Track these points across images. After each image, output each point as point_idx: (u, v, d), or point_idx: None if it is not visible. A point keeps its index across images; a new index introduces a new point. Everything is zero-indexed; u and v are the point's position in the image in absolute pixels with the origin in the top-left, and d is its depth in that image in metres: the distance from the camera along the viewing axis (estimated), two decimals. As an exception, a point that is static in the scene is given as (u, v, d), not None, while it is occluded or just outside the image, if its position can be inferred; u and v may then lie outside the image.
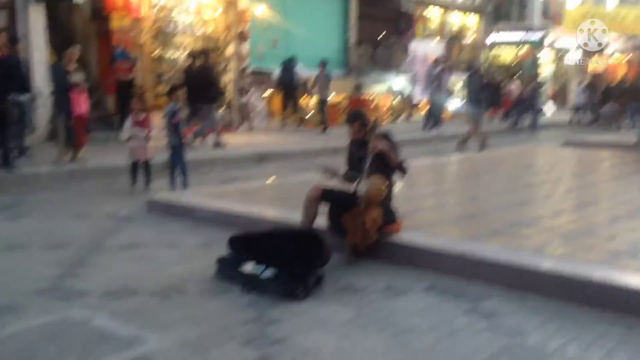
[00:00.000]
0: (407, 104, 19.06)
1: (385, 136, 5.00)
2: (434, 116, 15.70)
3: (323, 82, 14.62)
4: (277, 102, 15.43)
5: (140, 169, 7.62)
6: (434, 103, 15.73)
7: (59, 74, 8.52)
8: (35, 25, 11.07)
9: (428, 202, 6.44)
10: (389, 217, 4.91)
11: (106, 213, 6.35)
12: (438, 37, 21.80)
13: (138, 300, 3.88)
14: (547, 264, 4.15)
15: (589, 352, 3.26)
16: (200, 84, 11.00)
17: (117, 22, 12.36)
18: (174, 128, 7.52)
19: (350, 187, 5.02)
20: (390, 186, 4.95)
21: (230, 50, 14.34)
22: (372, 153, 4.84)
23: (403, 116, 18.75)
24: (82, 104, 8.64)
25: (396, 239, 4.83)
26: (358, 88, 15.25)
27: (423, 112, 17.32)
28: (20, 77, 8.50)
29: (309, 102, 15.93)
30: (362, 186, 4.77)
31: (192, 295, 4.03)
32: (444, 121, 16.63)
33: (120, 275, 4.37)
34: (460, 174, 9.28)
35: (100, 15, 12.49)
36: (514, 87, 20.10)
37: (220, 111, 12.96)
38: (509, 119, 19.37)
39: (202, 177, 8.61)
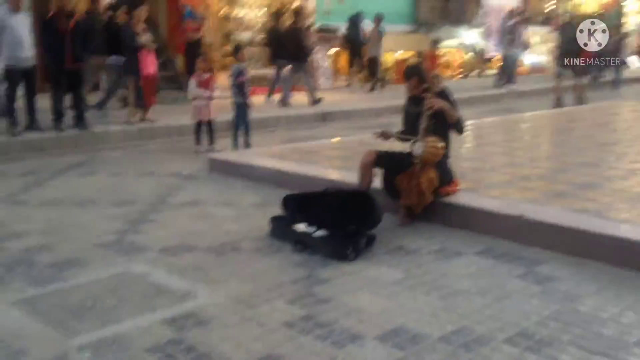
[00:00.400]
0: (480, 59, 18.41)
1: (443, 93, 4.85)
2: (507, 72, 15.09)
3: (376, 38, 14.25)
4: (343, 59, 15.26)
5: (204, 128, 7.79)
6: (507, 58, 15.09)
7: (127, 35, 8.75)
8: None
9: (492, 162, 6.26)
10: (446, 178, 4.82)
11: (170, 171, 6.57)
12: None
13: (194, 257, 4.03)
14: (607, 229, 3.96)
15: (647, 321, 3.13)
16: (289, 44, 11.14)
17: (184, -18, 12.51)
18: (238, 88, 7.63)
19: (406, 148, 4.95)
20: (447, 146, 4.85)
21: (295, 6, 14.22)
22: (429, 111, 4.71)
23: (475, 72, 18.15)
24: (150, 65, 8.86)
25: (452, 200, 4.75)
26: (435, 43, 14.86)
27: (496, 68, 16.69)
28: (122, 41, 8.92)
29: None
30: (418, 146, 4.68)
31: (246, 252, 4.14)
32: (519, 77, 15.98)
33: (179, 232, 4.54)
34: (529, 132, 8.95)
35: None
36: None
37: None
38: (589, 73, 18.33)
39: (266, 136, 8.72)
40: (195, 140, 7.78)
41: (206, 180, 6.25)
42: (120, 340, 2.90)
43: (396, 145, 5.10)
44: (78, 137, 8.02)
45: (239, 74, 7.63)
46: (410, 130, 4.93)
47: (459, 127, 4.77)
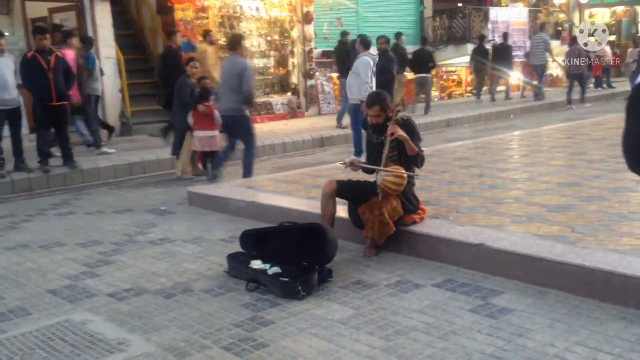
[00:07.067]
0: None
1: (406, 123, 4.73)
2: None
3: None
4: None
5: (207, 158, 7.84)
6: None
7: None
8: (103, 22, 11.56)
9: (472, 185, 6.07)
10: (410, 206, 4.69)
11: (149, 206, 6.52)
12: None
13: (141, 301, 3.92)
14: (567, 256, 3.76)
15: (594, 356, 2.93)
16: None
17: (180, 14, 12.62)
18: None
19: (369, 178, 4.83)
20: (411, 174, 4.72)
21: (295, 32, 14.27)
22: (390, 139, 4.60)
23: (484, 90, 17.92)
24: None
25: (417, 229, 4.60)
26: None
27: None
28: None
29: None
30: (380, 175, 4.57)
31: (197, 294, 4.03)
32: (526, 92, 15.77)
33: (136, 273, 4.47)
34: (520, 151, 8.68)
35: (165, 8, 12.82)
36: (608, 52, 18.55)
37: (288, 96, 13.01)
38: (600, 86, 17.99)
39: (259, 164, 8.67)
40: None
41: (182, 215, 6.19)
42: (37, 397, 2.82)
43: (361, 175, 4.99)
44: (66, 175, 8.06)
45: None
46: (373, 160, 4.82)
47: (418, 161, 4.64)
